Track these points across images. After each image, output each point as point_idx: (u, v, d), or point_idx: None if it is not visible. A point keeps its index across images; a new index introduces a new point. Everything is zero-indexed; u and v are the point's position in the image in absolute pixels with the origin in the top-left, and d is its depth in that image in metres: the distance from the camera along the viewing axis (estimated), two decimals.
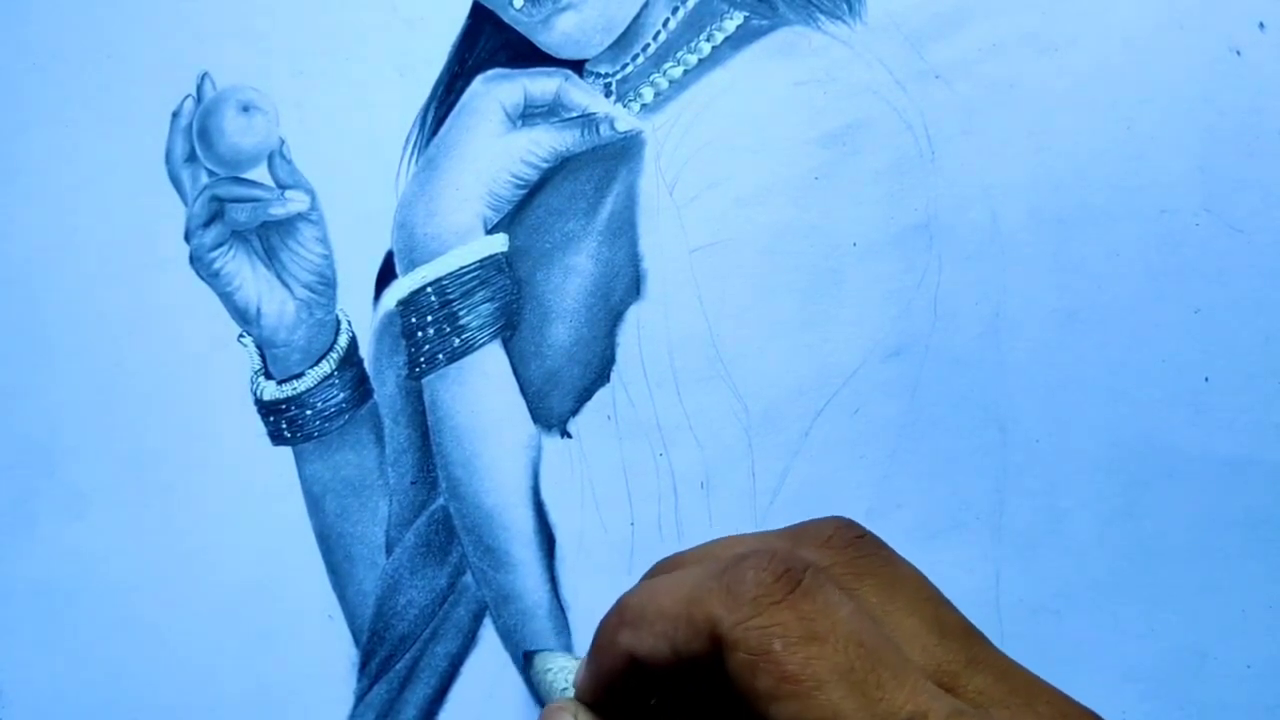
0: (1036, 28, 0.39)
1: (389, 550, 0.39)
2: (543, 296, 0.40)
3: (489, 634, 0.39)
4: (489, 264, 0.40)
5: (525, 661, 0.38)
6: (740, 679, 0.24)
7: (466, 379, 0.40)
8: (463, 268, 0.40)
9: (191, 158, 0.40)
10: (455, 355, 0.40)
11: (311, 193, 0.40)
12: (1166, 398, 0.39)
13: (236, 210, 0.40)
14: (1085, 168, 0.39)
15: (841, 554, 0.27)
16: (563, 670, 0.36)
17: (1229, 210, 0.39)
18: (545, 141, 0.39)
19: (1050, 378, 0.39)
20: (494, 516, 0.39)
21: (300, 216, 0.40)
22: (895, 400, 0.39)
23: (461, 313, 0.40)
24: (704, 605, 0.25)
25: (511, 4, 0.39)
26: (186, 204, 0.41)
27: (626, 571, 0.39)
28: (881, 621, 0.26)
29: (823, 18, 0.39)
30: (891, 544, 0.39)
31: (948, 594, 0.39)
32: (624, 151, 0.40)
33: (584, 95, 0.40)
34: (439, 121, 0.40)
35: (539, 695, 0.37)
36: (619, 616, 0.28)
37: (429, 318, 0.40)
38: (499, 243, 0.40)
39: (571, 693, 0.34)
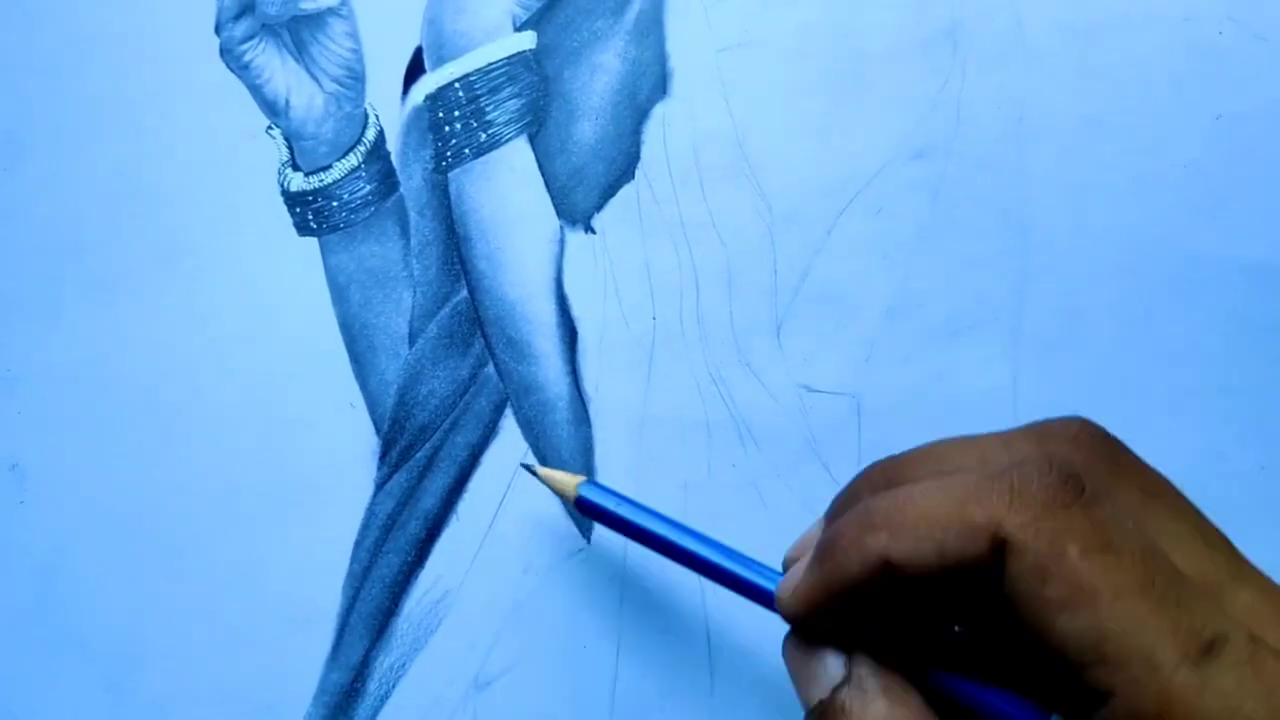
0: None
1: (412, 341, 0.40)
2: (569, 94, 0.40)
3: (509, 425, 0.39)
4: (516, 61, 0.40)
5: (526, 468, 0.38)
6: (1024, 584, 0.23)
7: (492, 173, 0.40)
8: (490, 64, 0.40)
9: None
10: (481, 150, 0.40)
11: None
12: (1187, 203, 0.39)
13: (267, 4, 0.40)
14: None
15: (1095, 452, 0.26)
16: (562, 478, 0.36)
17: (1252, 18, 0.39)
18: None
19: (1072, 182, 0.39)
20: (517, 309, 0.39)
21: (330, 11, 0.40)
22: (917, 201, 0.39)
23: (488, 108, 0.40)
24: (986, 507, 0.24)
25: None
26: None
27: (648, 364, 0.39)
28: (1144, 524, 0.25)
29: None
30: (910, 343, 0.39)
31: (966, 394, 0.39)
32: None
33: None
34: None
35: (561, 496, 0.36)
36: (863, 521, 0.26)
37: (456, 113, 0.40)
38: (527, 40, 0.40)
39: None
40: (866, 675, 0.27)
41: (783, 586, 0.28)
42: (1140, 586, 0.22)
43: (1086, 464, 0.25)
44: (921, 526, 0.24)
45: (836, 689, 0.27)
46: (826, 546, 0.27)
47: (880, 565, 0.25)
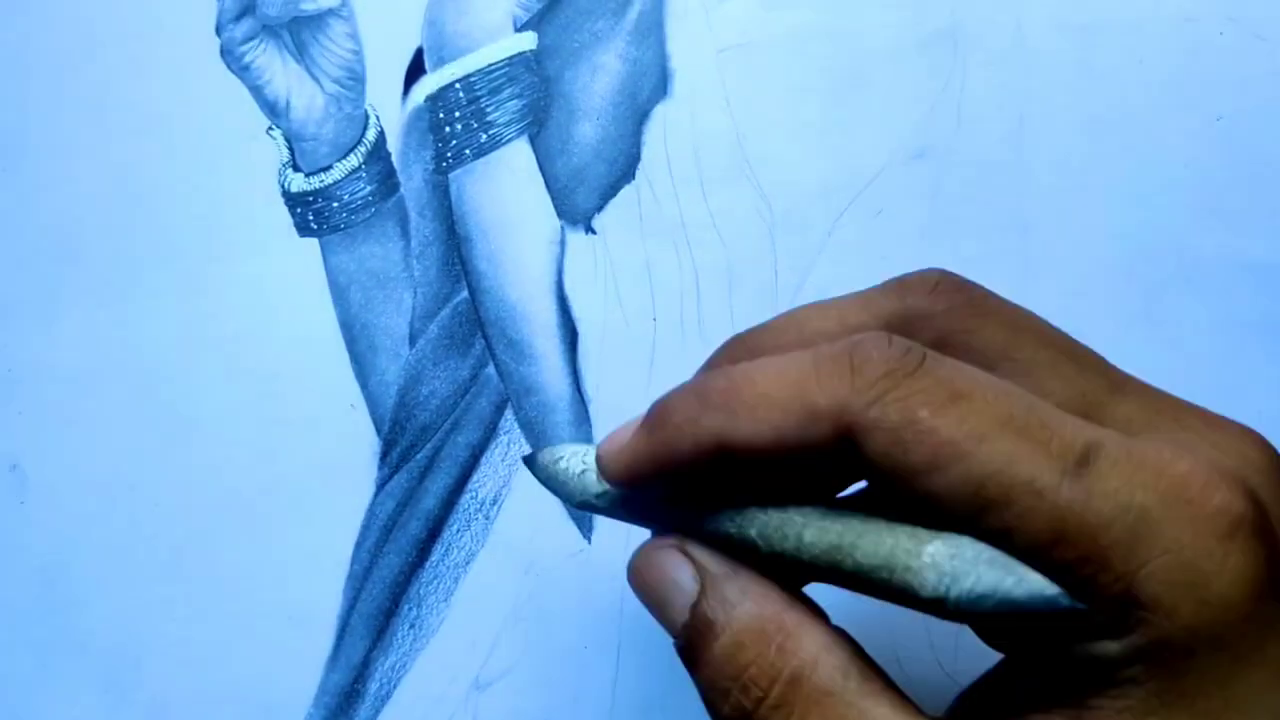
0: None
1: (412, 341, 0.40)
2: (570, 94, 0.40)
3: (510, 425, 0.39)
4: (517, 61, 0.40)
5: (528, 463, 0.37)
6: (887, 460, 0.22)
7: (493, 174, 0.40)
8: (491, 65, 0.40)
9: None
10: (482, 150, 0.40)
11: None
12: (1188, 203, 0.39)
13: (267, 5, 0.40)
14: None
15: (956, 296, 0.26)
16: (575, 454, 0.35)
17: (1253, 19, 0.39)
18: None
19: (1072, 182, 0.39)
20: (517, 309, 0.40)
21: (331, 12, 0.40)
22: (918, 202, 0.39)
23: (489, 109, 0.40)
24: (827, 390, 0.23)
25: None
26: None
27: (648, 365, 0.39)
28: (1014, 360, 0.25)
29: None
30: None
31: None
32: None
33: None
34: None
35: (555, 488, 0.36)
36: (701, 399, 0.24)
37: (457, 113, 0.40)
38: (528, 40, 0.40)
39: (592, 475, 0.34)
40: (721, 579, 0.25)
41: (605, 445, 0.27)
42: (1000, 423, 0.22)
43: (948, 310, 0.25)
44: (760, 409, 0.23)
45: (694, 606, 0.25)
46: (658, 415, 0.25)
47: (715, 447, 0.24)
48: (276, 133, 0.40)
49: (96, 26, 0.41)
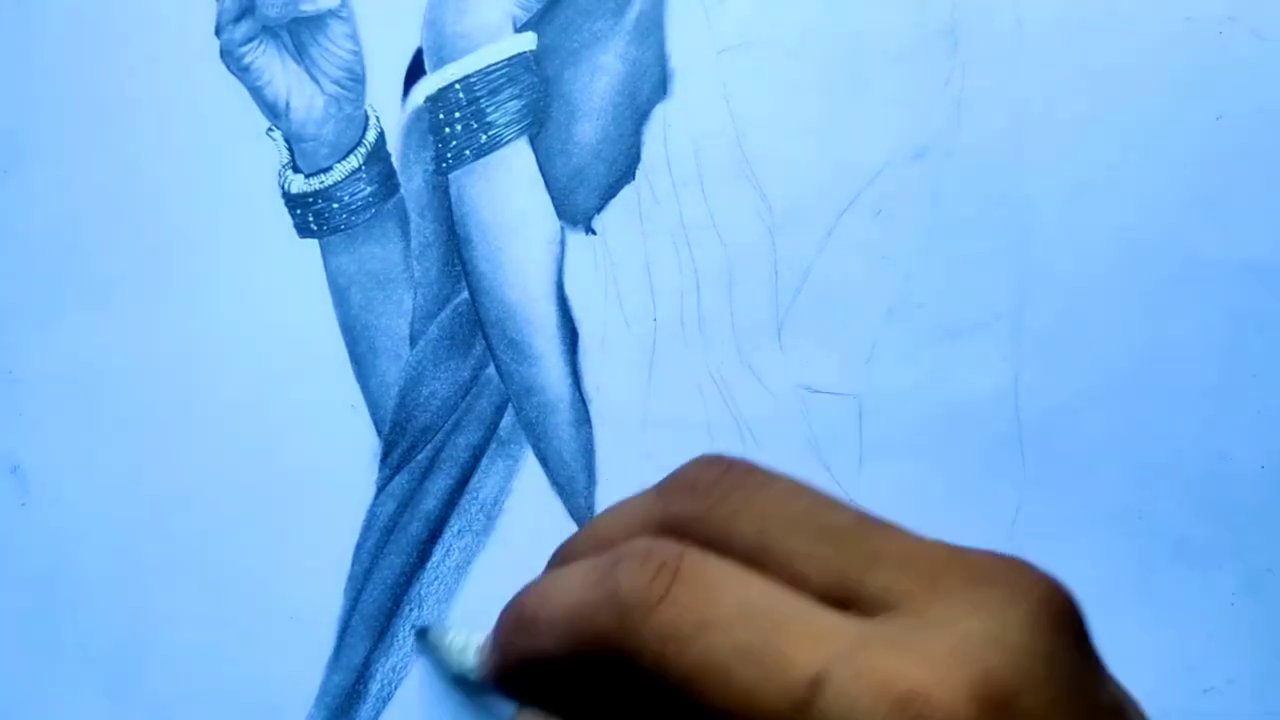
0: None
1: (413, 342, 0.40)
2: (570, 95, 0.40)
3: (511, 426, 0.39)
4: (517, 62, 0.40)
5: (419, 639, 0.38)
6: (653, 680, 0.23)
7: (493, 175, 0.40)
8: (491, 65, 0.40)
9: None
10: (482, 151, 0.40)
11: None
12: (1187, 201, 0.39)
13: (267, 6, 0.40)
14: None
15: (708, 498, 0.26)
16: (459, 633, 0.37)
17: (1252, 18, 0.39)
18: None
19: (1072, 181, 0.39)
20: (518, 310, 0.39)
21: (330, 13, 0.40)
22: (917, 201, 0.39)
23: (489, 110, 0.40)
24: (592, 621, 0.24)
25: None
26: None
27: (648, 365, 0.39)
28: (769, 553, 0.25)
29: None
30: (912, 343, 0.39)
31: (967, 394, 0.39)
32: None
33: None
34: None
35: (441, 668, 0.37)
36: (511, 619, 0.27)
37: (456, 114, 0.40)
38: (527, 41, 0.40)
39: (472, 651, 0.35)
40: None
41: (481, 653, 0.29)
42: (737, 654, 0.23)
43: (702, 515, 0.26)
44: (556, 630, 0.25)
45: None
46: (498, 626, 0.28)
47: (533, 664, 0.26)
48: (276, 134, 0.40)
49: (97, 27, 0.41)
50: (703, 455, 0.28)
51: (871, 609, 0.24)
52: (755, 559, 0.25)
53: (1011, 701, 0.22)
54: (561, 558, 0.29)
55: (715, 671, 0.23)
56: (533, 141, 0.40)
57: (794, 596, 0.24)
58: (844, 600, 0.24)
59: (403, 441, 0.39)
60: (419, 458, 0.39)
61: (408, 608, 0.38)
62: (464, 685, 0.37)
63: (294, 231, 0.40)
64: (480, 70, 0.40)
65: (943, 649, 0.22)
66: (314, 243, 0.40)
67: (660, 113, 0.40)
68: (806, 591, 0.24)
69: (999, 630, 0.23)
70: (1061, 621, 0.23)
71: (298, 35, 0.41)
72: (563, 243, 0.40)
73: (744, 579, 0.24)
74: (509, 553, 0.39)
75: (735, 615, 0.23)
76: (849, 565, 0.25)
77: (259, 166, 0.40)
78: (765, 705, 0.22)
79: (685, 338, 0.39)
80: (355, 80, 0.40)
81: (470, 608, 0.38)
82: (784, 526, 0.25)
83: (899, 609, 0.24)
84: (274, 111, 0.40)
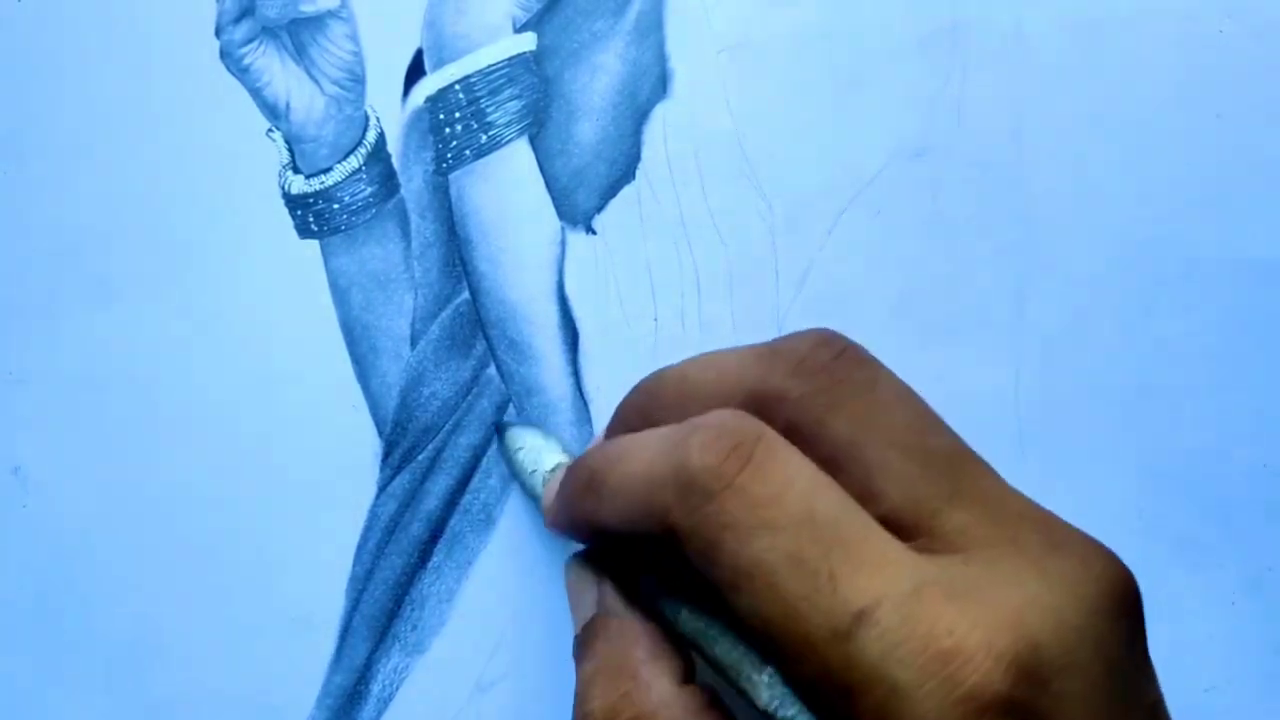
0: None
1: (414, 343, 0.40)
2: (570, 95, 0.40)
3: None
4: (517, 62, 0.40)
5: (498, 434, 0.38)
6: (699, 567, 0.23)
7: (493, 175, 0.40)
8: (490, 66, 0.40)
9: None
10: (482, 151, 0.40)
11: None
12: (1188, 201, 0.39)
13: (266, 6, 0.40)
14: None
15: (814, 380, 0.25)
16: (533, 449, 0.36)
17: (1251, 18, 0.39)
18: None
19: (1073, 180, 0.39)
20: (518, 310, 0.40)
21: (330, 13, 0.40)
22: (918, 201, 0.39)
23: (489, 110, 0.40)
24: (659, 492, 0.24)
25: None
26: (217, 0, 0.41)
27: (649, 366, 0.39)
28: (856, 459, 0.24)
29: None
30: (912, 343, 0.39)
31: (967, 394, 0.39)
32: None
33: None
34: None
35: (510, 469, 0.37)
36: (580, 479, 0.27)
37: (457, 114, 0.40)
38: (527, 41, 0.40)
39: (540, 476, 0.35)
40: (608, 612, 0.27)
41: (545, 497, 0.31)
42: (791, 564, 0.22)
43: (801, 398, 0.25)
44: (619, 498, 0.25)
45: (588, 623, 0.28)
46: (563, 484, 0.29)
47: (590, 527, 0.27)
48: (276, 134, 0.40)
49: (97, 28, 0.41)
50: (820, 330, 0.27)
51: (941, 544, 0.23)
52: (837, 461, 0.24)
53: (1050, 680, 0.21)
54: (645, 403, 0.29)
55: (763, 576, 0.22)
56: (533, 141, 0.40)
57: (863, 515, 0.23)
58: (915, 526, 0.23)
59: (404, 441, 0.39)
60: (420, 458, 0.39)
61: (409, 608, 0.38)
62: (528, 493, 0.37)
63: (294, 232, 0.40)
64: (480, 70, 0.40)
65: (998, 612, 0.21)
66: (314, 243, 0.40)
67: (660, 113, 0.40)
68: (881, 508, 0.23)
69: (1058, 604, 0.22)
70: (1121, 610, 0.22)
71: (297, 36, 0.41)
72: (563, 243, 0.40)
73: (818, 482, 0.23)
74: (510, 553, 0.39)
75: (799, 521, 0.22)
76: (932, 493, 0.23)
77: (259, 167, 0.40)
78: (802, 625, 0.21)
79: (685, 338, 0.39)
80: (355, 81, 0.40)
81: (472, 608, 0.38)
82: (879, 435, 0.24)
83: (968, 554, 0.22)
84: (274, 112, 0.40)
